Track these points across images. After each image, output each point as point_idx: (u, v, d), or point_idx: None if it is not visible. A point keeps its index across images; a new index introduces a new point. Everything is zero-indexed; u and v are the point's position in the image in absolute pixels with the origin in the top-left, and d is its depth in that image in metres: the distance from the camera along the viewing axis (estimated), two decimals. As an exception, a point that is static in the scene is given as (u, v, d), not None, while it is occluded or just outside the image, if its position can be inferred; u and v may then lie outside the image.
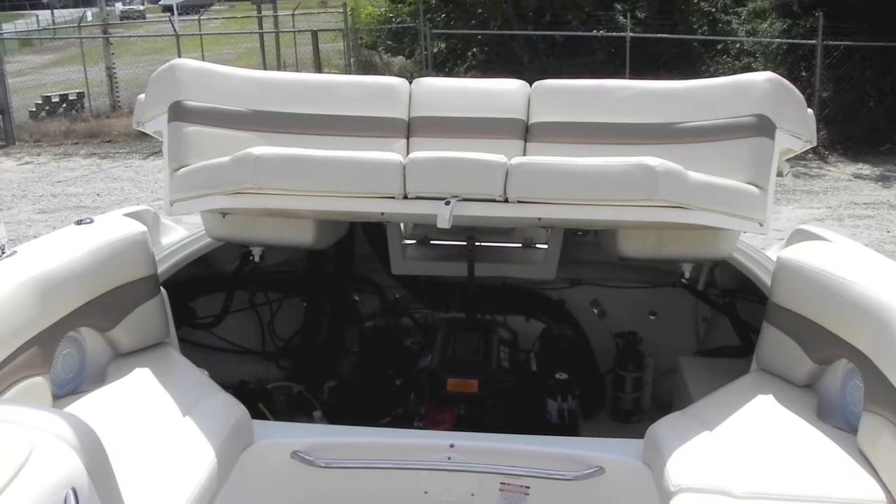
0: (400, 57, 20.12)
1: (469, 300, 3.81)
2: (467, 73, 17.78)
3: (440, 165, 2.59)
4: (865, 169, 13.10)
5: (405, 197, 2.60)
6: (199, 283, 3.73)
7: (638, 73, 15.36)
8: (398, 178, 2.57)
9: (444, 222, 2.52)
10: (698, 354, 3.94)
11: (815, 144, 3.11)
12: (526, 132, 3.16)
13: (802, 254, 2.75)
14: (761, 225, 2.81)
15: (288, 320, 4.05)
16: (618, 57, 16.38)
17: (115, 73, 18.69)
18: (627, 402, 3.95)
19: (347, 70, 18.87)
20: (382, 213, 2.81)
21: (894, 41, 13.67)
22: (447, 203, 2.54)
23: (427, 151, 2.67)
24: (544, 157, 2.64)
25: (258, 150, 2.59)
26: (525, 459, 2.63)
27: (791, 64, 15.15)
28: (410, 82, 3.31)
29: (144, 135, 3.34)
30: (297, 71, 17.20)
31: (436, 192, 2.58)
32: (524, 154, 3.07)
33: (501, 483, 2.65)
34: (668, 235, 3.08)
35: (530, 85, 3.26)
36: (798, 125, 2.98)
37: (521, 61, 17.14)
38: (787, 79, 3.03)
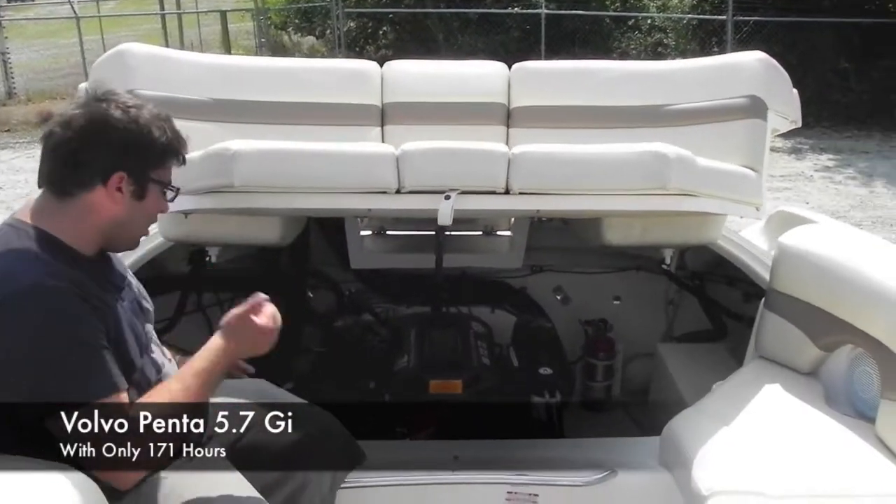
0: (310, 37, 19.62)
1: (438, 293, 3.64)
2: (379, 52, 17.44)
3: (438, 156, 2.38)
4: (777, 142, 13.39)
5: (398, 191, 2.41)
6: (150, 286, 3.45)
7: (553, 51, 15.40)
8: (391, 171, 2.36)
9: (445, 218, 2.34)
10: (669, 339, 3.88)
11: (799, 125, 3.07)
12: (508, 117, 3.00)
13: (804, 239, 2.68)
14: (758, 209, 2.74)
15: None
16: (533, 34, 16.31)
17: (9, 58, 17.65)
18: (598, 391, 3.87)
19: (258, 51, 18.33)
20: (370, 210, 2.61)
21: (801, 16, 14.03)
22: (447, 197, 2.35)
23: (421, 141, 2.44)
24: (549, 146, 2.46)
25: (236, 145, 2.35)
26: (532, 466, 2.50)
27: (702, 39, 15.36)
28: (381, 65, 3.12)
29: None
30: (202, 52, 16.63)
31: (433, 185, 2.38)
32: (507, 141, 2.92)
33: (508, 492, 2.51)
34: (655, 221, 2.97)
35: (509, 67, 3.10)
36: (786, 105, 2.93)
37: (435, 39, 16.93)
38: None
